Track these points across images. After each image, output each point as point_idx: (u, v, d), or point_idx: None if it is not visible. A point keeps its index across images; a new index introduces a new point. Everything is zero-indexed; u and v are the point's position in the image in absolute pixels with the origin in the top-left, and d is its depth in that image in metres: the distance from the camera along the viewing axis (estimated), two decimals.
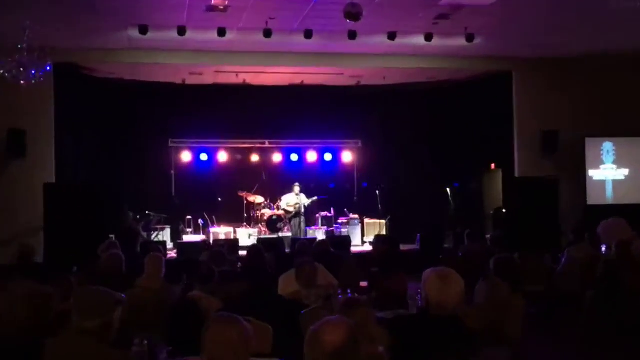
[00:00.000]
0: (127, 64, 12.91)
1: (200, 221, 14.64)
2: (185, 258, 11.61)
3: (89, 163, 13.99)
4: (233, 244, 12.12)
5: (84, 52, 12.45)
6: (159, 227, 14.22)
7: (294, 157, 16.17)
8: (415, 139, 16.20)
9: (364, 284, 7.39)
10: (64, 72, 12.44)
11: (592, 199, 13.66)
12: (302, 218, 14.78)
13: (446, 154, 15.74)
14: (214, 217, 14.75)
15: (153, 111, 15.21)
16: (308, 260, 6.05)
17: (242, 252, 12.37)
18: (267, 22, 11.19)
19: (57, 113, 12.62)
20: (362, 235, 14.69)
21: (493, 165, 15.46)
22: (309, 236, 14.07)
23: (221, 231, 14.17)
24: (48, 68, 9.49)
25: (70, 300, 3.44)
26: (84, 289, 3.78)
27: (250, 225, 14.98)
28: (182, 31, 11.31)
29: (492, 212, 14.42)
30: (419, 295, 4.95)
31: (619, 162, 13.87)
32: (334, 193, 15.71)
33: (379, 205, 14.93)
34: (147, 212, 14.16)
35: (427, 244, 12.97)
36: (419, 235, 13.39)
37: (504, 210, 13.35)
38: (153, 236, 13.88)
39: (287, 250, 12.00)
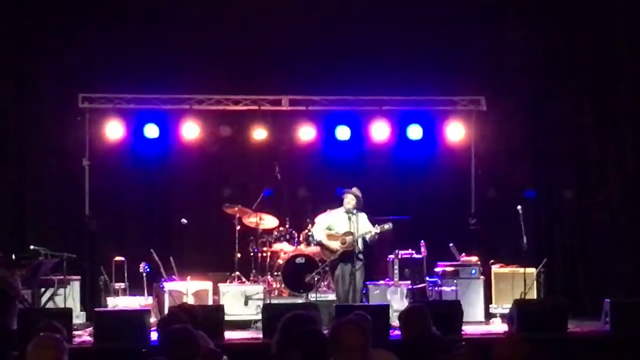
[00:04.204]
0: None
1: (143, 267, 14.50)
2: (111, 345, 11.69)
3: None
4: (213, 317, 11.92)
5: None
6: (56, 278, 14.16)
7: (343, 131, 15.97)
8: (607, 102, 15.73)
9: None
10: None
11: None
12: (360, 263, 14.27)
13: None
14: (171, 258, 14.57)
15: (45, 35, 15.10)
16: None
17: (232, 335, 12.60)
18: None
19: None
20: (488, 301, 14.57)
21: None
22: (372, 302, 14.09)
23: (187, 288, 14.05)
24: None
25: None
26: None
27: (249, 278, 14.95)
28: None
29: None
30: None
31: None
32: (425, 211, 15.63)
33: (524, 238, 14.44)
34: (32, 247, 14.14)
35: (625, 321, 12.80)
36: (607, 302, 13.16)
37: None
38: (44, 297, 13.95)
39: (327, 330, 11.44)
